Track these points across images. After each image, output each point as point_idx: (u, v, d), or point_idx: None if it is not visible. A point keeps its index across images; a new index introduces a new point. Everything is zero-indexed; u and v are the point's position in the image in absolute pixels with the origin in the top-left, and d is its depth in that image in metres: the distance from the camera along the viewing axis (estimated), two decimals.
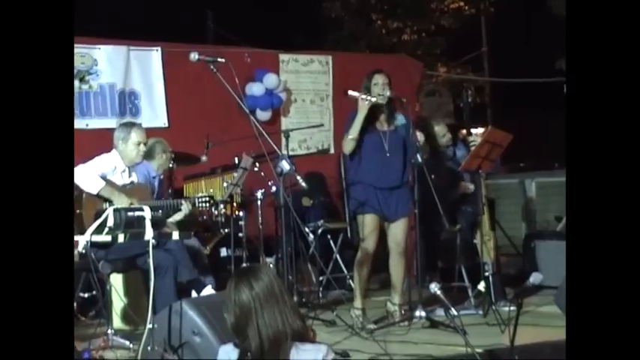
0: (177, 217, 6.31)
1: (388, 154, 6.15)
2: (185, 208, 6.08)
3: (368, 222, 6.16)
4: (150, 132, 7.11)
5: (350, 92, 6.13)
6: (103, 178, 5.63)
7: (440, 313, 6.15)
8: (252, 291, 2.90)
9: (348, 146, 6.16)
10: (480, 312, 6.39)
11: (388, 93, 6.12)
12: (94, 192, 5.51)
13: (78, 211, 5.49)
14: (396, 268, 6.27)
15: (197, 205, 6.34)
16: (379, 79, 6.18)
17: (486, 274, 6.56)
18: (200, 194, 6.59)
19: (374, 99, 6.02)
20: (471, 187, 7.14)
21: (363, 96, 6.01)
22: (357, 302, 6.25)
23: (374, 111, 6.14)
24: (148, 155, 6.58)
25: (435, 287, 5.24)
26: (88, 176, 5.53)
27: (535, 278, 4.54)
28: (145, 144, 5.92)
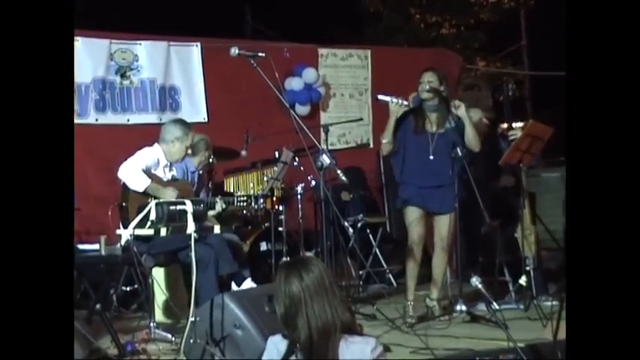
0: (211, 213, 6.35)
1: (432, 156, 6.14)
2: (219, 205, 6.11)
3: (410, 214, 6.19)
4: None
5: (380, 97, 6.15)
6: (147, 172, 5.67)
7: (481, 307, 6.13)
8: (302, 282, 2.91)
9: (385, 149, 6.27)
10: (521, 306, 6.35)
11: (427, 88, 6.09)
12: (141, 190, 5.54)
13: (124, 204, 5.55)
14: (439, 263, 6.27)
15: (235, 204, 6.39)
16: (424, 78, 6.15)
17: (527, 268, 6.51)
18: (239, 193, 6.64)
19: (405, 102, 6.02)
20: (512, 180, 7.09)
21: (394, 99, 6.02)
22: (408, 294, 6.26)
23: (419, 112, 6.15)
24: (192, 151, 6.64)
25: (476, 281, 5.22)
26: (133, 174, 5.57)
27: None
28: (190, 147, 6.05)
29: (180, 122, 6.18)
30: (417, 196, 6.15)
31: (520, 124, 7.30)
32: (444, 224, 6.18)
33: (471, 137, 6.10)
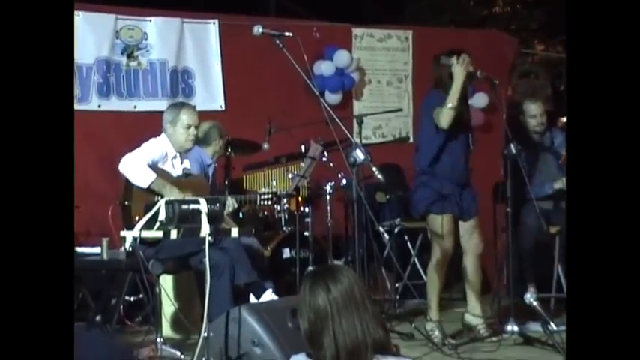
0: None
1: (472, 149, 6.25)
2: (230, 204, 6.12)
3: (447, 222, 6.13)
4: (205, 115, 7.21)
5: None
6: (154, 167, 5.69)
7: (535, 327, 6.10)
8: (329, 294, 2.89)
9: (447, 117, 5.92)
10: None
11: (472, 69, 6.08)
12: (145, 186, 5.57)
13: (126, 203, 5.58)
14: (476, 272, 6.26)
15: (257, 203, 6.40)
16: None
17: None
18: (262, 190, 6.64)
19: (471, 67, 5.97)
20: None
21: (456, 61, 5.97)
22: (433, 313, 6.22)
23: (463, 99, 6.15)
24: (203, 141, 6.65)
25: (530, 297, 5.21)
26: (136, 168, 5.60)
27: None
28: (195, 127, 5.99)
29: (170, 106, 6.28)
30: (450, 195, 6.11)
31: None
32: (476, 228, 6.24)
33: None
